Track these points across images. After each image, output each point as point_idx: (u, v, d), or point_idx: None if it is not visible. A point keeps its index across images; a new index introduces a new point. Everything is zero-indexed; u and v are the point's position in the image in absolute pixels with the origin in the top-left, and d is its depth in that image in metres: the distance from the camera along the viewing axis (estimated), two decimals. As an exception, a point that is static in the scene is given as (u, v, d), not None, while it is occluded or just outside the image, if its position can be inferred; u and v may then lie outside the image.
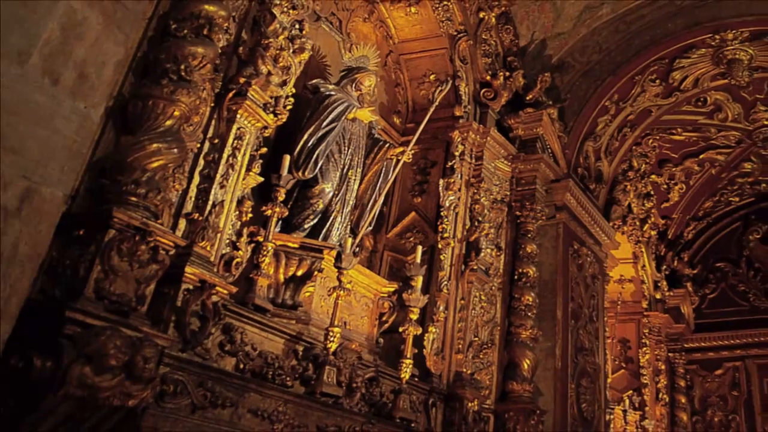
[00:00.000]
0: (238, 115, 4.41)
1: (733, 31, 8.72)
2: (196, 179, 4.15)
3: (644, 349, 12.09)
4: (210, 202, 4.15)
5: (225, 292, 4.05)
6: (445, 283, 6.56)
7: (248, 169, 4.51)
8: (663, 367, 12.36)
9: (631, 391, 11.53)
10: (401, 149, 6.25)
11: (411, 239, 6.78)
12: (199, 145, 4.19)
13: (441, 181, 6.86)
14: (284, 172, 4.89)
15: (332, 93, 5.82)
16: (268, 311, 4.66)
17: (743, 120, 10.85)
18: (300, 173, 5.40)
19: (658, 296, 12.44)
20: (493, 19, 7.96)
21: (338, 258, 5.02)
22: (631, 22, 9.16)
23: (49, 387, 2.93)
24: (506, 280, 7.48)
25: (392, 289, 5.95)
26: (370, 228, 6.15)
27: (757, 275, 13.22)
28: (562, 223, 8.36)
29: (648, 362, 12.05)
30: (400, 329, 5.60)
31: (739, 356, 12.55)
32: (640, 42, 9.11)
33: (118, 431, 3.28)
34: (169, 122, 3.77)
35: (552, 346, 7.66)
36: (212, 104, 4.30)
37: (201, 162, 4.20)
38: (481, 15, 7.76)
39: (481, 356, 6.77)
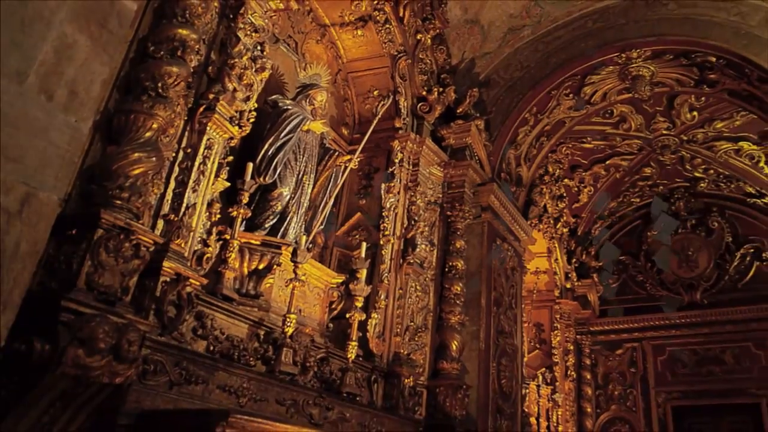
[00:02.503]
0: (208, 128, 4.41)
1: (637, 50, 8.79)
2: (172, 184, 4.16)
3: (556, 332, 12.20)
4: (184, 205, 4.17)
5: (197, 283, 4.09)
6: (386, 275, 6.62)
7: (217, 175, 4.52)
8: (571, 347, 12.49)
9: (544, 369, 11.58)
10: (348, 157, 6.28)
11: (357, 236, 6.80)
12: (174, 154, 4.20)
13: (383, 185, 6.91)
14: (248, 177, 4.91)
15: (289, 107, 5.81)
16: (234, 300, 4.72)
17: (645, 130, 11.00)
18: (261, 179, 5.39)
19: (568, 286, 12.61)
20: (429, 41, 8.00)
21: (294, 253, 5.08)
22: (549, 42, 9.24)
23: (47, 367, 2.97)
24: (438, 272, 7.54)
25: (340, 281, 6.03)
26: (322, 227, 6.14)
27: (653, 267, 13.34)
28: (487, 221, 8.40)
29: (559, 343, 12.21)
30: (347, 315, 5.71)
31: (636, 338, 12.73)
32: (556, 60, 9.15)
33: (107, 405, 3.32)
34: (148, 134, 3.78)
35: (477, 329, 7.72)
36: (185, 118, 4.31)
37: (176, 169, 4.21)
38: (419, 37, 7.77)
39: (416, 339, 6.85)
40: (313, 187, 6.04)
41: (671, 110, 10.62)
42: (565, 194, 11.97)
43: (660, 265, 13.41)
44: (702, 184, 12.73)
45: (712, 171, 12.23)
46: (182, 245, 4.08)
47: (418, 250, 7.04)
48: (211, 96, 4.45)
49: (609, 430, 12.42)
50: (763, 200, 12.43)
